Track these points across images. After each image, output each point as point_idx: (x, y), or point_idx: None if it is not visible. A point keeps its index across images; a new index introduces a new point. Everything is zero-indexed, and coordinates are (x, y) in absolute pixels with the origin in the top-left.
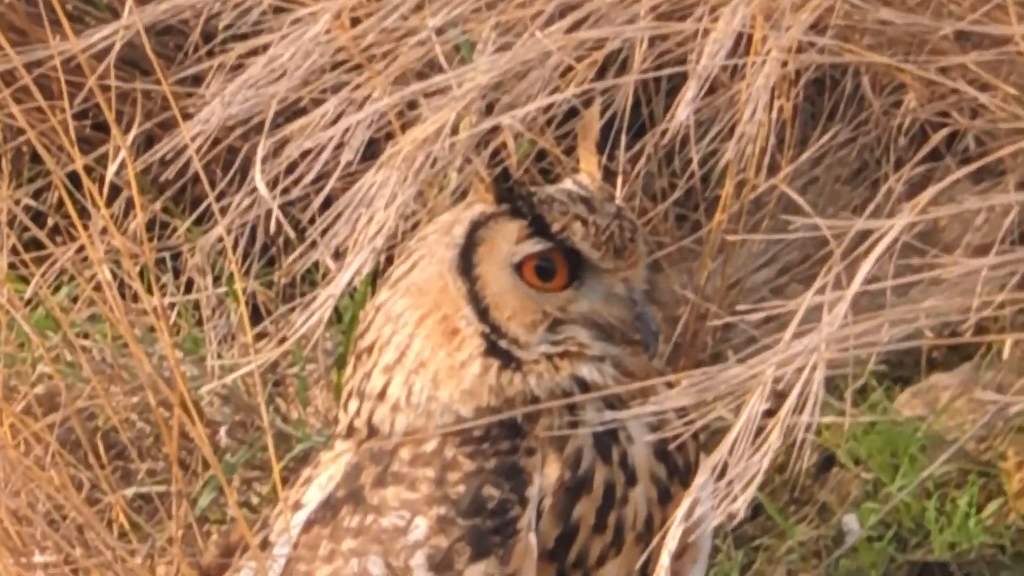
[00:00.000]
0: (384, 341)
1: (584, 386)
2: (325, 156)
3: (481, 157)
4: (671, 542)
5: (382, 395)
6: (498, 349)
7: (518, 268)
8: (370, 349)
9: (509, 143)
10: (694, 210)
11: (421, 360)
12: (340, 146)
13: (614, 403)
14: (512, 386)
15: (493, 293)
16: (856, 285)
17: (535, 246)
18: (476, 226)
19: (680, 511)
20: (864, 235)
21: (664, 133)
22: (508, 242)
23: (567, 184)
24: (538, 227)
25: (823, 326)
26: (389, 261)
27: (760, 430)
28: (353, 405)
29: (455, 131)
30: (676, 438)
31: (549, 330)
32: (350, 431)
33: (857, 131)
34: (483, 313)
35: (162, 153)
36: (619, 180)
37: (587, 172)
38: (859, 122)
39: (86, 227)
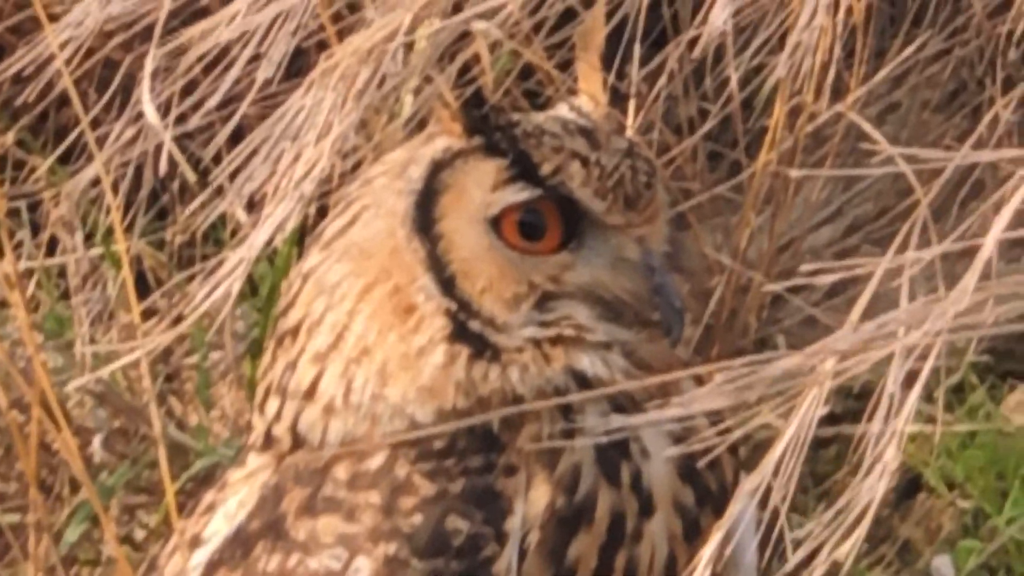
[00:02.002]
0: (315, 320)
1: (584, 382)
2: (235, 72)
3: (446, 74)
4: None
5: (311, 392)
6: (468, 332)
7: (495, 224)
8: (295, 331)
9: (483, 55)
10: (732, 147)
11: (364, 346)
12: (256, 58)
13: (624, 405)
14: (487, 382)
15: (461, 257)
16: (948, 244)
17: (518, 194)
18: (438, 167)
19: (708, 549)
20: (961, 179)
21: (692, 43)
22: (482, 189)
23: (562, 111)
24: (522, 169)
25: (904, 302)
26: (321, 214)
27: (821, 442)
28: (272, 406)
29: (410, 40)
30: (707, 452)
31: (537, 307)
32: (268, 441)
33: (952, 41)
34: (448, 284)
35: (18, 67)
36: (631, 106)
37: (588, 95)
38: (955, 28)
39: None
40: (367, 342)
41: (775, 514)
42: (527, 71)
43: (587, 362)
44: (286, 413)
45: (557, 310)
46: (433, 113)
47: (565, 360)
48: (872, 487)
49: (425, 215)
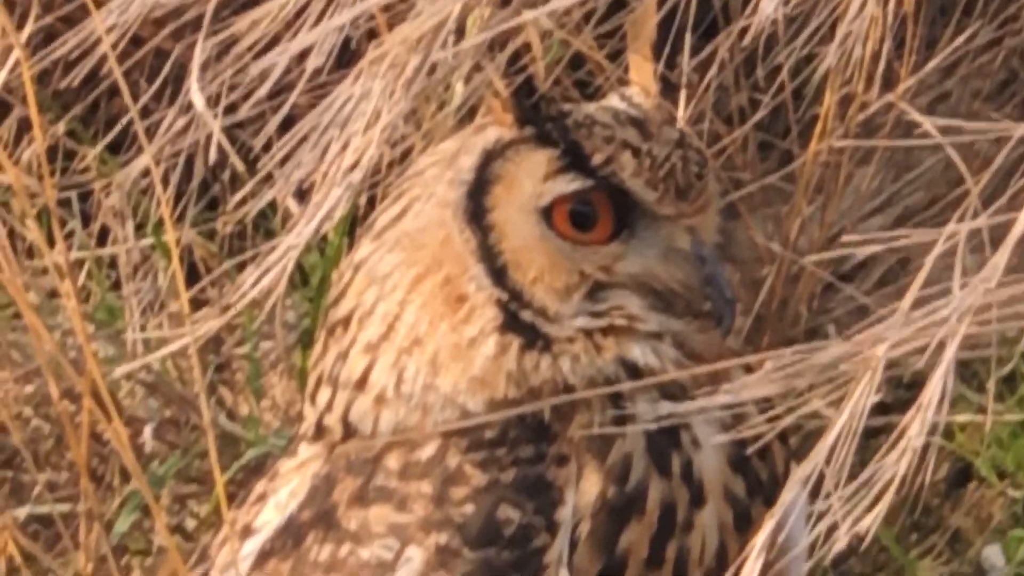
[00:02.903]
0: (366, 310)
1: (635, 372)
2: (285, 61)
3: (496, 63)
4: None
5: (362, 383)
6: (519, 322)
7: (546, 214)
8: (346, 321)
9: (534, 44)
10: (783, 136)
11: (415, 336)
12: (306, 49)
13: (675, 395)
14: (538, 372)
15: (513, 247)
16: (1009, 235)
17: (570, 184)
18: (490, 157)
19: (760, 539)
20: (1012, 167)
21: (743, 33)
22: (533, 179)
23: (613, 101)
24: (574, 159)
25: (956, 289)
26: (372, 204)
27: (872, 432)
28: (324, 396)
29: (461, 29)
30: (757, 440)
31: (588, 297)
32: (319, 431)
33: (1003, 30)
34: (499, 274)
35: (66, 53)
36: (682, 96)
37: (639, 85)
38: (1006, 18)
39: None
40: (418, 332)
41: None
42: (577, 61)
43: (638, 352)
44: (337, 403)
45: (608, 300)
46: (484, 103)
47: (616, 350)
48: (894, 464)
49: (476, 205)
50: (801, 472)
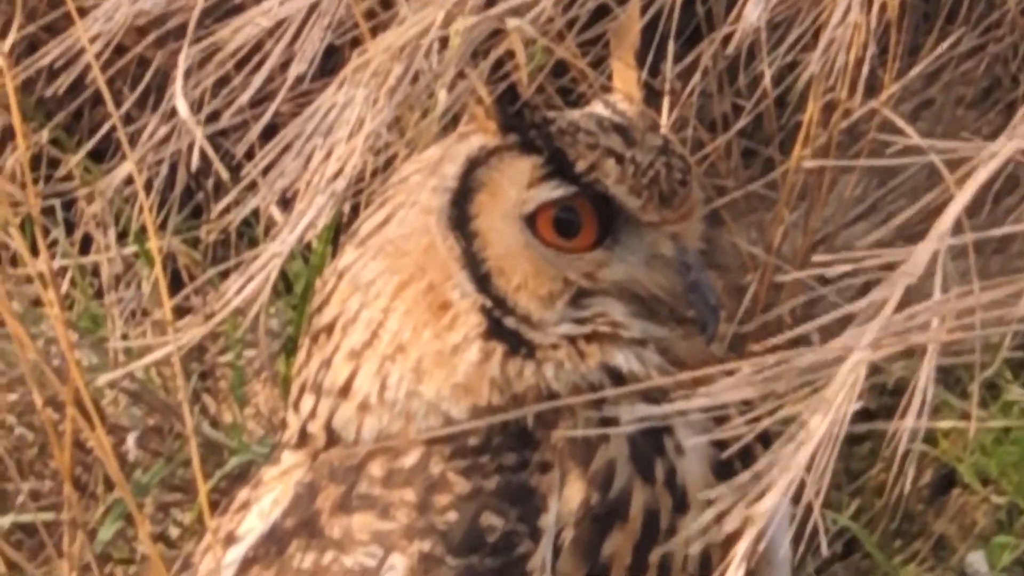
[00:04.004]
0: (350, 317)
1: (619, 379)
2: (268, 68)
3: (479, 71)
4: None
5: (346, 390)
6: (503, 329)
7: (530, 221)
8: (330, 328)
9: (518, 52)
10: (766, 143)
11: (399, 343)
12: (289, 55)
13: (658, 401)
14: (522, 379)
15: (497, 255)
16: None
17: (553, 191)
18: (473, 164)
19: (741, 546)
20: (994, 175)
21: (727, 40)
22: (517, 186)
23: (596, 108)
24: (557, 166)
25: (937, 293)
26: (356, 211)
27: (855, 438)
28: (307, 403)
29: (444, 37)
30: (736, 443)
31: (572, 304)
32: (303, 439)
33: (986, 37)
34: (483, 281)
35: (50, 61)
36: (666, 103)
37: (623, 92)
38: (989, 24)
39: None
40: (402, 339)
41: (808, 510)
42: (560, 68)
43: (622, 359)
44: (321, 411)
45: (592, 307)
46: (467, 110)
47: (600, 357)
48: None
49: (460, 212)
50: (783, 479)
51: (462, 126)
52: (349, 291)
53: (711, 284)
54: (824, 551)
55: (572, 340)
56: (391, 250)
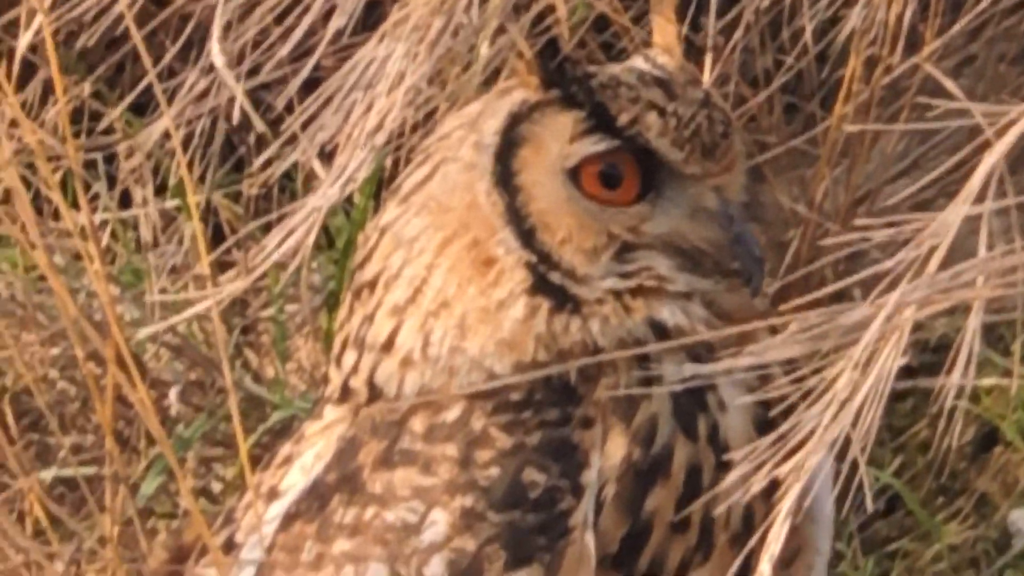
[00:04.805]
0: (392, 274)
1: (663, 334)
2: (308, 22)
3: (520, 25)
4: (774, 544)
5: (388, 345)
6: (548, 285)
7: (574, 175)
8: (372, 284)
9: (559, 6)
10: (808, 99)
11: (443, 299)
12: (329, 9)
13: (702, 356)
14: (568, 334)
15: (540, 209)
16: None
17: (596, 145)
18: (516, 120)
19: (786, 502)
20: None
21: None
22: (560, 141)
23: (637, 62)
24: (600, 120)
25: (982, 251)
26: (396, 166)
27: (898, 395)
28: (350, 358)
29: None
30: (783, 402)
31: (616, 258)
32: (344, 394)
33: None
34: (527, 237)
35: (85, 11)
36: (708, 58)
37: (663, 46)
38: None
39: None
40: (446, 295)
41: (853, 466)
42: (602, 23)
43: (668, 312)
44: (363, 366)
45: (637, 261)
46: (508, 65)
47: (646, 311)
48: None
49: (504, 168)
50: (828, 435)
51: (503, 81)
52: (392, 247)
53: (754, 236)
54: (869, 507)
55: (617, 295)
56: (434, 206)
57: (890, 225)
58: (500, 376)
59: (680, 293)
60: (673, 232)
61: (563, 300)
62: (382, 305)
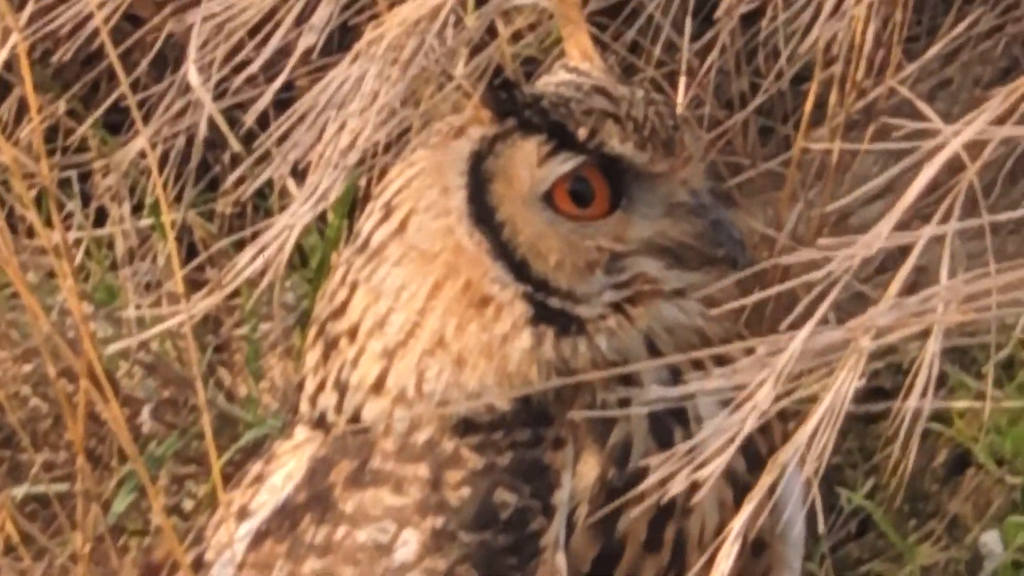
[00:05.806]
0: (377, 322)
1: (651, 350)
2: (280, 36)
3: (467, 70)
4: (724, 563)
5: (378, 386)
6: (549, 311)
7: (548, 199)
8: (352, 333)
9: (500, 33)
10: (783, 122)
11: (439, 339)
12: (300, 27)
13: (680, 370)
14: (578, 355)
15: (527, 240)
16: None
17: (564, 164)
18: (479, 158)
19: (741, 516)
20: (1009, 155)
21: (745, 17)
22: (528, 168)
23: (563, 76)
24: (560, 139)
25: (944, 275)
26: (370, 185)
27: (872, 417)
28: (329, 399)
29: (464, 4)
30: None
31: (608, 271)
32: (320, 423)
33: (1005, 17)
34: (520, 268)
35: (64, 30)
36: (682, 82)
37: (580, 52)
38: (1008, 5)
39: None
40: (443, 336)
41: (825, 487)
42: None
43: (668, 312)
44: (347, 406)
45: (628, 268)
46: (456, 106)
47: (647, 317)
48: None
49: (479, 207)
50: (786, 454)
51: (445, 125)
52: (370, 299)
53: (730, 219)
54: (821, 529)
55: (617, 307)
56: (415, 255)
57: (854, 246)
58: (500, 409)
59: (675, 290)
60: (655, 233)
61: (566, 323)
62: (366, 351)
